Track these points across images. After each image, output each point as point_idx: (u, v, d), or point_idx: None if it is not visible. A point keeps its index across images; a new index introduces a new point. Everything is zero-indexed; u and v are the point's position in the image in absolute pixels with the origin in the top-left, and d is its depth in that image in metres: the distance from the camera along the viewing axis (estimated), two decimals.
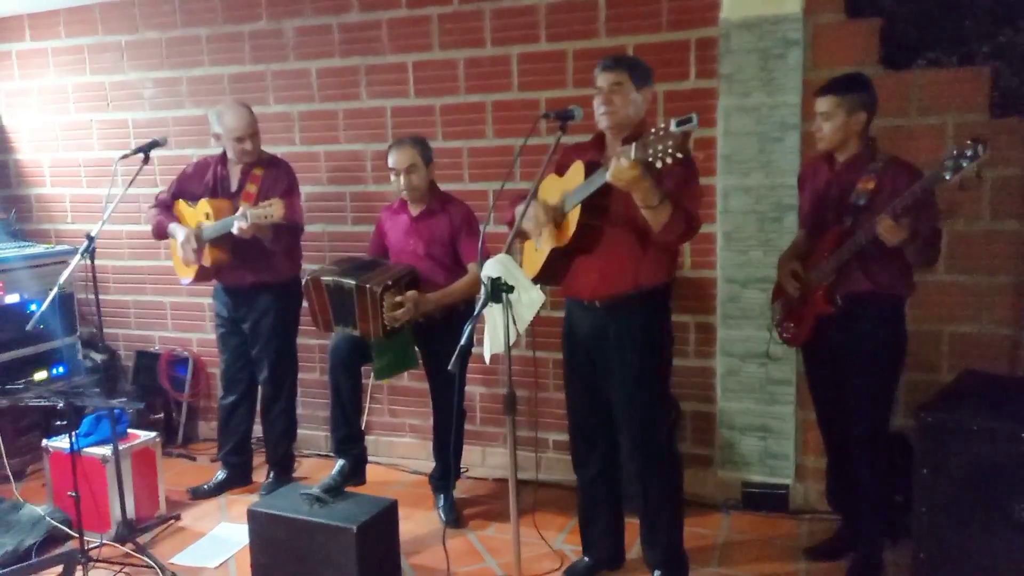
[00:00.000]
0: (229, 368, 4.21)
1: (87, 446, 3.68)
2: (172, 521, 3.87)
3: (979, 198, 3.42)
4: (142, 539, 3.61)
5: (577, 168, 2.86)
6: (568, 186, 2.88)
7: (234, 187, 3.98)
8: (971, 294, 3.49)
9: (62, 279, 3.53)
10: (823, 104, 2.98)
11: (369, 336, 3.49)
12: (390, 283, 3.43)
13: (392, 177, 3.68)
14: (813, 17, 3.54)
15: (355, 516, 3.03)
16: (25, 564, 3.31)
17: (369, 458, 3.90)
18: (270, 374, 4.10)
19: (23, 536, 3.53)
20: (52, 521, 3.62)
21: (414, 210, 3.73)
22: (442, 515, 3.80)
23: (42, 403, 3.90)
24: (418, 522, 3.78)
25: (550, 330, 3.90)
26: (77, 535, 3.33)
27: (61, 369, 4.63)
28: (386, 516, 3.15)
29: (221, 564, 3.48)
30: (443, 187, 3.88)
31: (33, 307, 4.43)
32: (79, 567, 3.25)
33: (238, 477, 4.28)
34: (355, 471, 3.68)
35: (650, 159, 2.45)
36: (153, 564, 3.37)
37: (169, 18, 4.71)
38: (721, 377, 3.86)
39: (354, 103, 4.41)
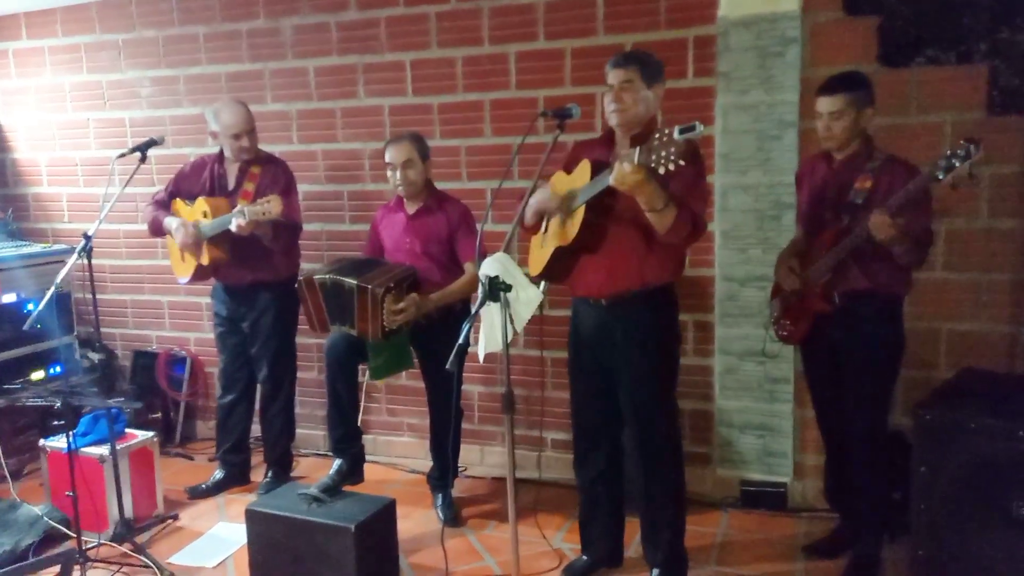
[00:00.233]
0: (228, 367, 4.21)
1: (85, 446, 3.68)
2: (170, 521, 3.87)
3: (977, 196, 3.42)
4: (140, 539, 3.60)
5: (584, 167, 2.85)
6: (575, 184, 2.88)
7: (231, 185, 3.97)
8: (969, 292, 3.50)
9: (59, 278, 3.53)
10: (833, 103, 2.96)
11: (367, 336, 3.48)
12: (392, 285, 3.43)
13: (388, 172, 3.68)
14: (811, 15, 3.54)
15: (353, 515, 3.03)
16: (23, 564, 3.29)
17: (367, 457, 3.89)
18: (269, 373, 4.10)
19: (21, 536, 3.53)
20: (50, 521, 3.61)
21: (410, 208, 3.73)
22: (440, 514, 3.79)
23: (39, 403, 3.90)
24: (416, 521, 3.77)
25: (549, 328, 3.91)
26: (75, 535, 3.33)
27: (58, 369, 4.62)
28: (384, 515, 3.15)
29: (219, 564, 3.47)
30: (441, 186, 3.88)
31: (30, 306, 4.43)
32: (77, 567, 3.24)
33: (236, 476, 4.27)
34: (353, 470, 3.68)
35: (653, 164, 2.45)
36: (151, 564, 3.37)
37: (166, 16, 4.70)
38: (719, 375, 3.86)
39: (352, 102, 4.40)
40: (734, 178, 3.68)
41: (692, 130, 2.36)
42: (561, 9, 3.92)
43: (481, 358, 2.99)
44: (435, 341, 3.55)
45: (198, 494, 4.15)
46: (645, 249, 2.84)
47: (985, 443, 2.75)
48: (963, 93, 3.40)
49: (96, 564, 3.40)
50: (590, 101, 3.86)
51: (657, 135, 2.44)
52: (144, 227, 4.16)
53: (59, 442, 3.65)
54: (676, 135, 2.38)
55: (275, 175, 3.95)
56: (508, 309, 2.64)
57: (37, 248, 4.80)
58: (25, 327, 3.76)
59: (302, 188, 4.25)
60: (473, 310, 2.67)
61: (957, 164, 2.66)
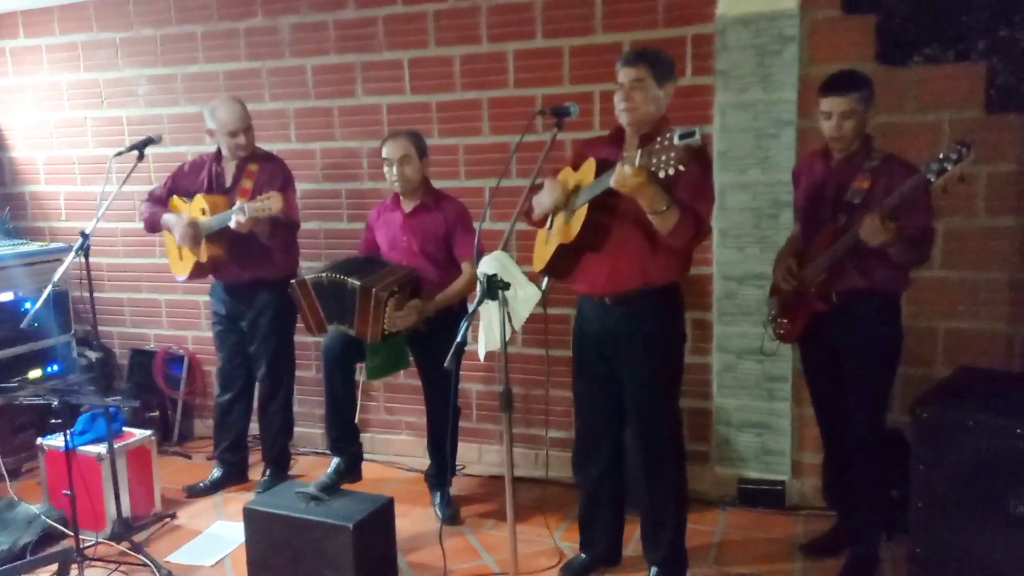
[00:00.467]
0: (226, 366, 4.20)
1: (82, 444, 3.67)
2: (168, 519, 3.86)
3: (975, 195, 3.42)
4: (138, 537, 3.60)
5: (589, 165, 2.85)
6: (580, 182, 2.88)
7: (229, 183, 3.97)
8: (967, 290, 3.50)
9: (56, 277, 3.52)
10: (845, 103, 2.94)
11: (365, 338, 3.48)
12: (396, 289, 3.42)
13: (385, 168, 3.68)
14: (809, 13, 3.54)
15: (351, 514, 3.03)
16: (20, 563, 3.31)
17: (365, 455, 3.89)
18: (268, 371, 4.09)
19: (18, 535, 3.52)
20: (47, 520, 3.60)
21: (407, 206, 3.72)
22: (438, 512, 3.79)
23: (37, 401, 3.89)
24: (415, 519, 3.77)
25: (550, 327, 3.90)
26: (72, 533, 3.32)
27: (56, 367, 4.62)
28: (382, 514, 3.15)
29: (217, 562, 3.47)
30: (439, 184, 3.88)
31: (27, 305, 4.42)
32: (74, 566, 3.25)
33: (234, 475, 4.27)
34: (351, 468, 3.68)
35: (653, 168, 2.44)
36: (149, 562, 3.37)
37: (164, 15, 4.69)
38: (717, 373, 3.87)
39: (350, 100, 4.40)
40: (732, 176, 3.68)
41: (691, 135, 2.36)
42: (559, 7, 3.92)
43: (481, 356, 2.98)
44: (432, 340, 3.54)
45: (196, 493, 4.15)
46: (649, 248, 2.83)
47: (983, 441, 2.76)
48: (961, 91, 3.40)
49: (94, 563, 3.40)
50: (588, 99, 3.87)
51: (659, 139, 2.44)
52: (142, 226, 4.15)
53: (57, 441, 3.64)
54: (676, 140, 2.38)
55: (273, 172, 3.95)
56: (506, 307, 2.65)
57: (34, 247, 4.80)
58: (22, 325, 3.77)
59: (300, 187, 4.24)
60: (471, 308, 2.67)
61: (949, 167, 2.67)
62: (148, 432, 3.94)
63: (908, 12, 3.43)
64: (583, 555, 3.27)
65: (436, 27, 4.15)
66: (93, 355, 4.77)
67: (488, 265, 2.69)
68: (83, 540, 3.36)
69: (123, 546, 3.50)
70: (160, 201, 4.04)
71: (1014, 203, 3.40)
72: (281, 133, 4.54)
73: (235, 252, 3.88)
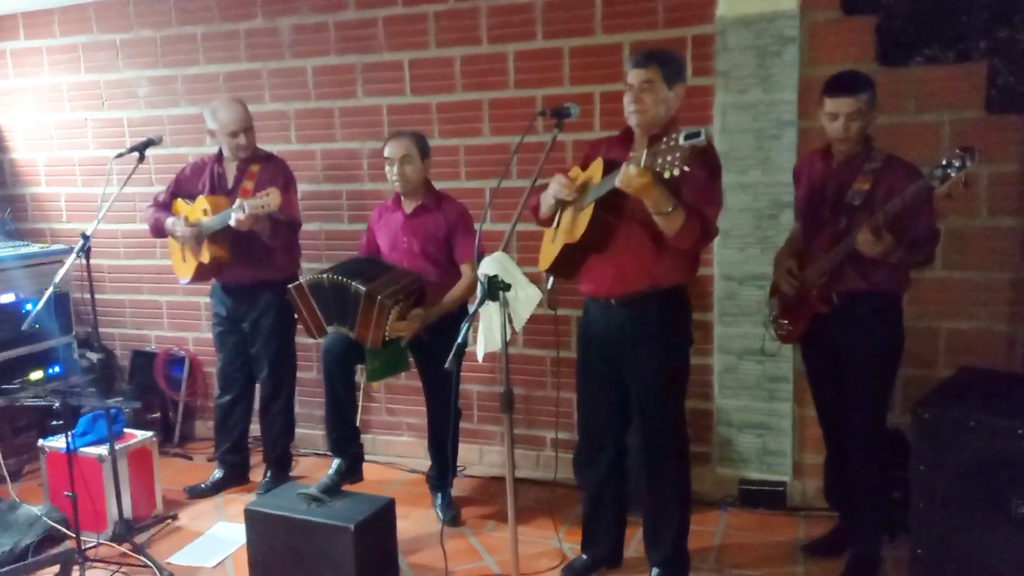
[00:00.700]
0: (226, 367, 4.20)
1: (83, 446, 3.67)
2: (169, 520, 3.87)
3: (976, 195, 3.42)
4: (139, 539, 3.60)
5: (597, 164, 2.84)
6: (588, 181, 2.86)
7: (231, 184, 3.97)
8: (968, 290, 3.50)
9: (57, 278, 3.52)
10: (849, 104, 2.92)
11: (364, 342, 3.48)
12: (400, 298, 3.42)
13: (386, 167, 3.67)
14: (809, 14, 3.54)
15: (353, 515, 3.03)
16: (22, 564, 3.30)
17: (366, 456, 3.89)
18: (270, 373, 4.09)
19: (20, 536, 3.53)
20: (49, 521, 3.61)
21: (408, 207, 3.72)
22: (440, 513, 3.79)
23: (38, 403, 3.89)
24: (416, 521, 3.77)
25: (551, 328, 3.91)
26: (74, 535, 3.33)
27: (57, 369, 4.62)
28: (384, 515, 3.15)
29: (218, 564, 3.47)
30: (439, 185, 3.88)
31: (28, 307, 4.42)
32: (76, 567, 3.25)
33: (235, 476, 4.27)
34: (352, 470, 3.67)
35: (658, 169, 2.44)
36: (150, 564, 3.37)
37: (164, 16, 4.69)
38: (718, 374, 3.86)
39: (350, 101, 4.40)
40: (733, 177, 3.68)
41: (697, 136, 2.35)
42: (559, 8, 3.92)
43: (480, 358, 2.98)
44: (433, 342, 3.55)
45: (197, 494, 4.15)
46: (655, 250, 2.83)
47: (984, 441, 2.75)
48: (961, 92, 3.40)
49: (95, 564, 3.40)
50: (588, 100, 3.87)
51: (664, 140, 2.43)
52: (143, 227, 4.18)
53: (58, 442, 3.64)
54: (681, 141, 2.37)
55: (274, 173, 3.95)
56: (507, 308, 2.65)
57: (35, 248, 4.79)
58: (23, 327, 3.75)
59: (300, 188, 4.24)
60: (472, 309, 2.67)
61: (952, 174, 2.66)
62: (149, 433, 3.94)
63: (908, 13, 3.42)
64: (584, 556, 3.27)
65: (436, 28, 4.15)
66: (94, 356, 4.77)
67: (489, 266, 2.69)
68: (84, 541, 3.36)
69: (124, 547, 3.50)
70: (164, 206, 4.04)
71: (1015, 203, 3.40)
72: (281, 134, 4.54)
73: (238, 252, 3.88)
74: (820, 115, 3.03)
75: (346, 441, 3.69)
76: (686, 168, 2.39)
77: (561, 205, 2.92)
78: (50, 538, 3.59)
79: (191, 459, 4.67)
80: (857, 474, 3.13)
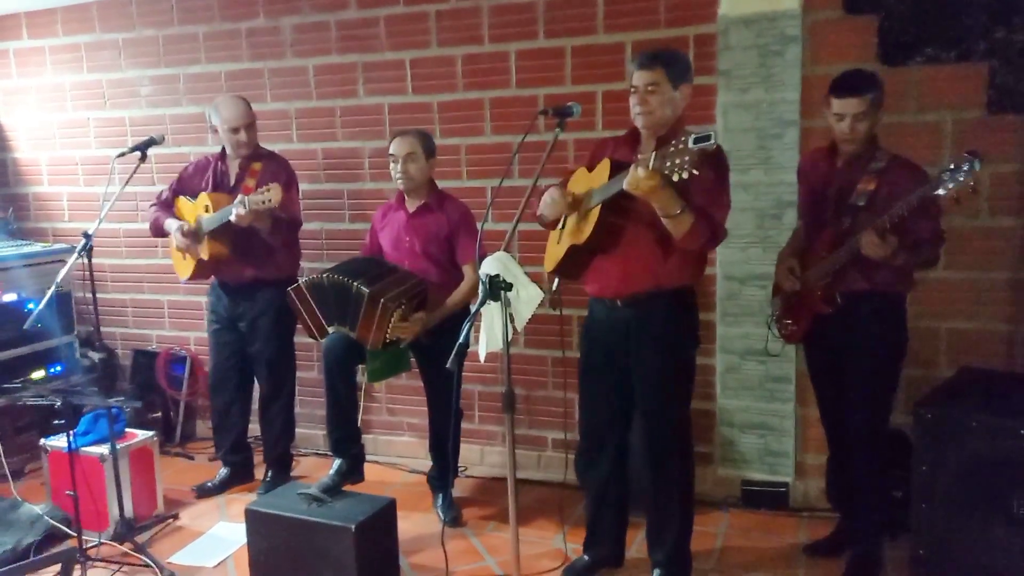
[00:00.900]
0: (219, 367, 4.19)
1: (85, 445, 3.67)
2: (170, 520, 3.87)
3: (976, 195, 3.40)
4: (140, 538, 3.60)
5: (604, 166, 2.83)
6: (594, 183, 2.86)
7: (233, 181, 3.97)
8: (968, 290, 3.49)
9: (59, 278, 3.53)
10: (857, 105, 2.90)
11: (365, 344, 3.47)
12: (403, 301, 3.41)
13: (391, 165, 3.67)
14: (811, 13, 3.53)
15: (353, 515, 3.02)
16: (23, 563, 3.30)
17: (367, 457, 3.88)
18: (269, 373, 4.09)
19: (22, 535, 3.53)
20: (50, 520, 3.61)
21: (411, 206, 3.72)
22: (441, 514, 3.79)
23: (40, 402, 3.89)
24: (416, 521, 3.77)
25: (552, 328, 3.90)
26: (75, 534, 3.33)
27: (59, 368, 4.62)
28: (384, 515, 3.14)
29: (219, 563, 3.47)
30: (441, 185, 3.87)
31: (31, 306, 4.42)
32: (77, 566, 3.25)
33: (241, 474, 4.27)
34: (353, 470, 3.66)
35: (667, 172, 2.43)
36: (151, 563, 3.37)
37: (166, 16, 4.70)
38: (720, 374, 3.86)
39: (352, 100, 4.40)
40: (735, 177, 3.60)
41: (707, 140, 2.34)
42: (561, 7, 3.92)
43: (482, 357, 2.98)
44: (434, 342, 3.54)
45: (205, 492, 4.15)
46: (661, 251, 2.81)
47: (985, 441, 2.76)
48: (963, 92, 3.40)
49: (96, 563, 3.40)
50: (591, 99, 3.86)
51: (673, 142, 2.42)
52: (145, 226, 4.17)
53: (59, 441, 3.65)
54: (690, 144, 2.36)
55: (276, 171, 3.95)
56: (508, 308, 2.64)
57: (38, 247, 4.80)
58: (26, 326, 3.76)
59: (302, 187, 4.24)
60: (473, 309, 2.67)
61: (960, 179, 2.64)
62: (150, 433, 3.94)
63: (909, 13, 3.42)
64: (586, 557, 3.27)
65: (438, 27, 4.15)
66: (96, 356, 4.78)
67: (490, 266, 2.69)
68: (86, 541, 3.35)
69: (126, 547, 3.50)
70: (166, 204, 4.05)
71: (1016, 204, 3.39)
72: (283, 133, 4.54)
73: (238, 250, 3.88)
74: (826, 115, 3.01)
75: (347, 441, 3.69)
76: (695, 172, 2.39)
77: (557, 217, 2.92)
78: (52, 537, 3.59)
79: (192, 459, 4.67)
80: (858, 474, 3.13)
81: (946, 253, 3.40)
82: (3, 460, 4.13)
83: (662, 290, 2.88)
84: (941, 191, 2.68)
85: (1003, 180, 3.39)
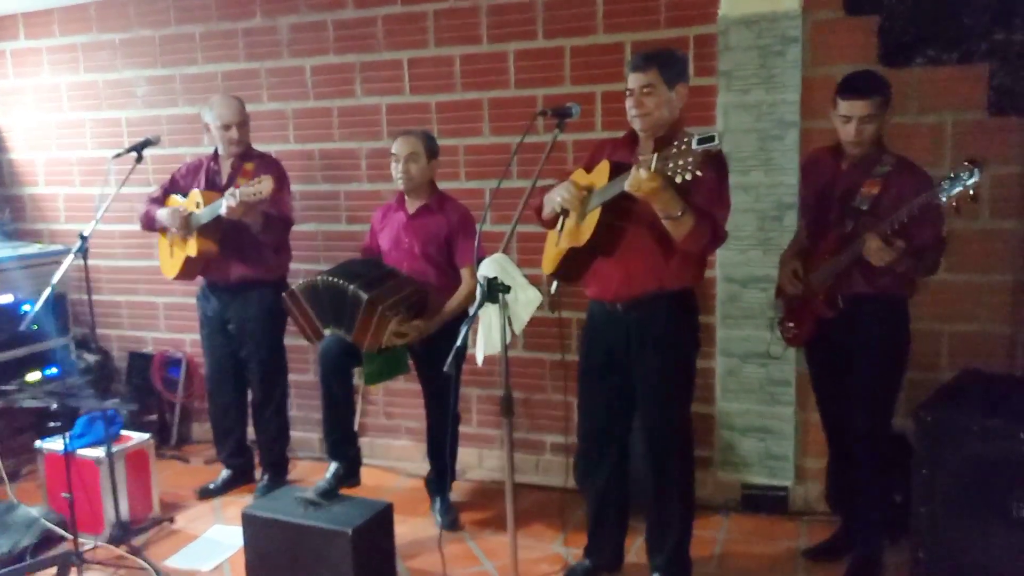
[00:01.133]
0: (215, 372, 4.17)
1: (81, 447, 3.66)
2: (166, 523, 3.85)
3: (977, 197, 3.38)
4: (136, 541, 3.59)
5: (603, 167, 2.81)
6: (593, 184, 2.83)
7: (225, 180, 3.94)
8: (970, 293, 3.48)
9: (55, 279, 3.50)
10: (864, 107, 2.87)
11: (361, 347, 3.45)
12: (401, 310, 3.39)
13: (392, 164, 3.65)
14: (811, 14, 3.52)
15: (350, 519, 3.01)
16: (19, 565, 3.31)
17: (364, 460, 3.86)
18: (260, 378, 4.06)
19: (18, 537, 3.51)
20: (46, 523, 3.60)
21: (411, 207, 3.70)
22: (438, 518, 3.77)
23: (36, 404, 3.87)
24: (414, 525, 3.75)
25: (552, 331, 3.88)
26: (71, 537, 3.31)
27: (54, 370, 4.60)
28: (381, 519, 3.13)
29: (216, 567, 3.46)
30: (439, 185, 3.85)
31: (26, 307, 4.40)
32: (73, 569, 3.24)
33: (242, 476, 4.25)
34: (350, 473, 3.64)
35: (669, 173, 2.41)
36: (147, 566, 3.36)
37: (163, 16, 4.68)
38: (721, 378, 3.84)
39: (349, 100, 4.38)
40: (735, 178, 3.61)
41: (711, 141, 2.32)
42: (560, 7, 3.90)
43: (480, 361, 2.96)
44: (432, 345, 3.52)
45: (207, 494, 4.14)
46: (662, 253, 2.80)
47: (985, 444, 2.74)
48: (963, 93, 3.38)
49: (92, 566, 3.39)
50: (590, 100, 3.85)
51: (676, 143, 2.40)
52: (139, 227, 4.14)
53: (55, 444, 3.63)
54: (694, 145, 2.34)
55: (267, 171, 3.91)
56: (507, 311, 2.62)
57: (33, 248, 4.79)
58: (21, 328, 3.75)
59: (298, 188, 4.23)
60: (471, 312, 2.65)
61: (960, 188, 2.63)
62: (146, 436, 3.92)
63: (910, 14, 3.40)
64: (586, 561, 3.25)
65: (436, 27, 4.13)
66: (91, 358, 4.77)
67: (488, 268, 2.67)
68: (82, 543, 3.34)
69: (121, 550, 3.48)
70: (157, 201, 4.02)
71: (1017, 206, 3.38)
72: (280, 134, 4.52)
73: (227, 247, 3.85)
74: (832, 116, 2.99)
75: (344, 444, 3.66)
76: (698, 173, 2.37)
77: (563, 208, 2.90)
78: (47, 540, 3.58)
79: (188, 461, 4.65)
80: (860, 478, 3.11)
81: (947, 255, 3.39)
82: None
83: (663, 293, 2.86)
84: (943, 198, 2.67)
85: (1004, 182, 3.37)
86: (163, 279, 4.46)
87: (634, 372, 2.95)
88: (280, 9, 4.41)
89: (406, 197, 3.71)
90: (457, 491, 4.02)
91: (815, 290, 3.04)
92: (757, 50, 3.57)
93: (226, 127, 3.86)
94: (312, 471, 4.39)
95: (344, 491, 3.38)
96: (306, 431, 4.66)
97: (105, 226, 4.78)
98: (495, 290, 2.57)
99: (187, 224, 3.81)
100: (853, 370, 3.04)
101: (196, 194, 3.86)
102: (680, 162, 2.37)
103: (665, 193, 2.52)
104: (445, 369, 2.53)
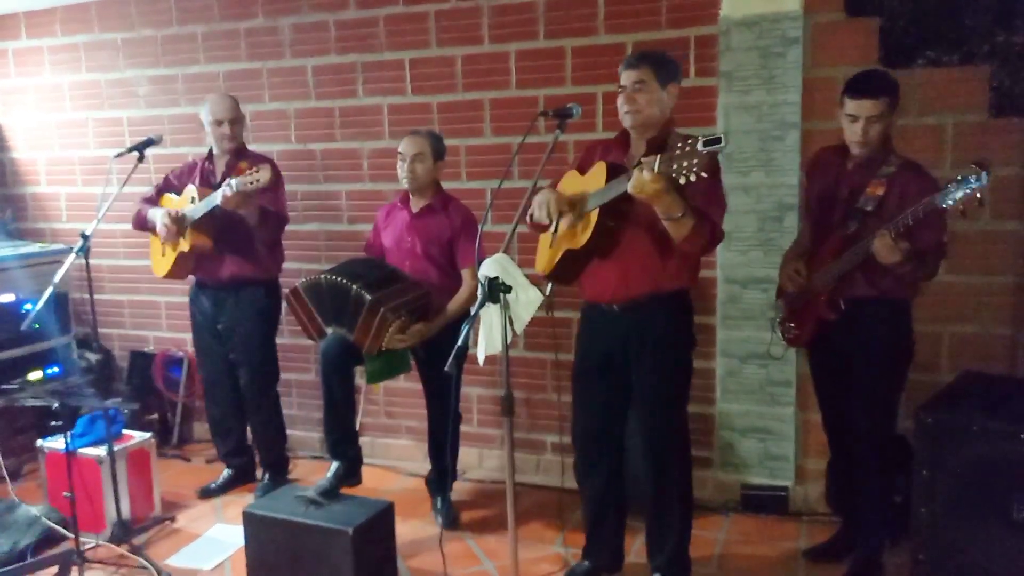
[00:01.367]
0: (211, 374, 4.17)
1: (82, 447, 3.66)
2: (167, 522, 3.85)
3: (983, 201, 3.38)
4: (137, 540, 3.59)
5: (599, 169, 2.80)
6: (588, 186, 2.83)
7: (219, 179, 3.94)
8: (970, 294, 3.47)
9: (57, 278, 3.51)
10: (875, 107, 2.85)
11: (362, 348, 3.45)
12: (404, 313, 3.39)
13: (398, 163, 3.65)
14: (812, 15, 3.52)
15: (351, 518, 3.01)
16: (21, 564, 3.30)
17: (365, 460, 3.85)
18: (252, 380, 4.05)
19: (19, 536, 3.52)
20: (48, 522, 3.60)
21: (415, 206, 3.70)
22: (439, 517, 3.77)
23: (37, 403, 3.88)
24: (415, 525, 3.75)
25: (549, 331, 3.88)
26: (72, 536, 3.31)
27: (56, 369, 4.60)
28: (382, 518, 3.13)
29: (217, 566, 3.46)
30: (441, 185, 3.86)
31: (28, 307, 4.40)
32: (74, 568, 3.24)
33: (244, 475, 4.25)
34: (350, 473, 3.64)
35: (673, 175, 2.40)
36: (148, 565, 3.36)
37: (165, 15, 4.68)
38: (721, 378, 3.84)
39: (351, 101, 4.38)
40: (736, 179, 3.66)
41: (717, 143, 2.31)
42: (561, 8, 3.90)
43: (481, 360, 2.96)
44: (434, 344, 3.52)
45: (209, 494, 4.14)
46: (659, 254, 2.80)
47: (986, 445, 2.74)
48: (965, 95, 3.38)
49: (93, 565, 3.39)
50: (591, 101, 3.85)
51: (680, 145, 2.39)
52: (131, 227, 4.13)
53: (57, 443, 3.63)
54: (700, 147, 2.33)
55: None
56: (508, 311, 2.62)
57: (35, 248, 4.79)
58: (23, 327, 3.75)
59: (300, 188, 4.23)
60: (472, 311, 2.65)
61: (967, 192, 2.61)
62: (147, 435, 3.93)
63: (911, 15, 3.41)
64: (586, 562, 3.25)
65: (437, 27, 4.13)
66: (93, 357, 4.76)
67: (489, 268, 2.67)
68: (83, 542, 3.34)
69: (122, 549, 3.49)
70: (150, 200, 4.02)
71: (1018, 207, 3.38)
72: (281, 134, 4.53)
73: (221, 242, 3.84)
74: (839, 115, 2.97)
75: (344, 444, 3.66)
76: (704, 175, 2.36)
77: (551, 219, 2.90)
78: (49, 539, 3.58)
79: (189, 461, 4.66)
80: (863, 479, 3.11)
81: (949, 257, 3.39)
82: (0, 462, 4.11)
83: (660, 294, 2.86)
84: (949, 202, 2.65)
85: (1005, 184, 3.37)
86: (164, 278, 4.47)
87: (632, 373, 2.95)
88: (282, 9, 4.42)
89: (410, 196, 3.71)
90: (458, 491, 4.03)
91: (817, 291, 3.03)
92: (758, 51, 3.57)
93: (218, 122, 3.85)
94: (313, 470, 4.39)
95: (345, 490, 3.38)
96: (306, 430, 4.67)
97: (107, 225, 4.78)
98: (496, 290, 2.57)
99: (180, 228, 3.79)
100: (855, 372, 3.03)
101: (192, 189, 3.86)
102: (684, 163, 2.37)
103: (668, 195, 2.51)
104: (446, 369, 2.53)
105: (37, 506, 3.71)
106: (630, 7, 3.78)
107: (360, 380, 3.86)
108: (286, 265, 4.15)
